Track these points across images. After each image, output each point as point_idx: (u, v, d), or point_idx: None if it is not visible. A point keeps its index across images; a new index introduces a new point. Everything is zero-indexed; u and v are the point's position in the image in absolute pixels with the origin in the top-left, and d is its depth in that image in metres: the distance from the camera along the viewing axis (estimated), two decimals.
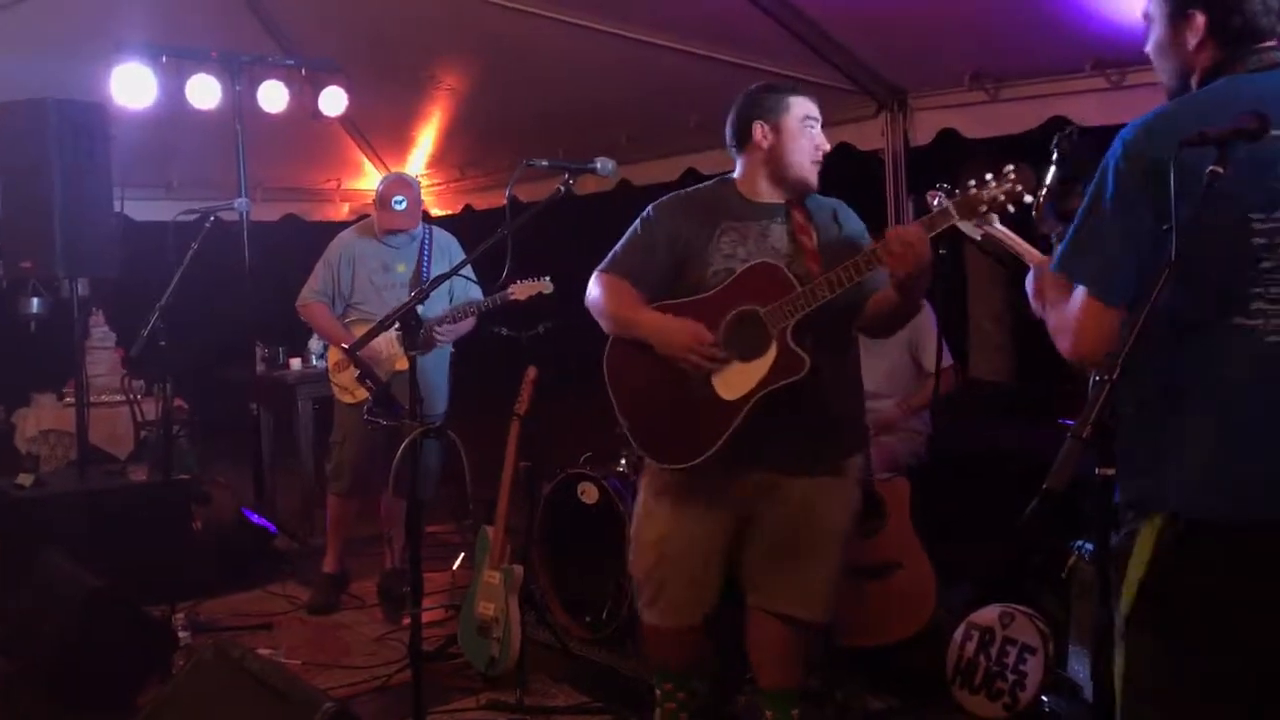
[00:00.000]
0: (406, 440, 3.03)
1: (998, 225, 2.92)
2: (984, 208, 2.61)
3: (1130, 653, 1.89)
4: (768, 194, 3.02)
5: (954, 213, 2.65)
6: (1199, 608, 1.81)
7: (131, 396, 6.04)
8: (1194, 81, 1.97)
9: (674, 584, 3.03)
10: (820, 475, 2.97)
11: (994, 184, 2.60)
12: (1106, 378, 1.60)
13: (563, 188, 3.15)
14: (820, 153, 3.01)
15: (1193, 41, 1.93)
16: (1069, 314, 1.90)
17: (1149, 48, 2.04)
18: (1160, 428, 1.86)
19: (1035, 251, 3.00)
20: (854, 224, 3.11)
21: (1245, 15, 1.88)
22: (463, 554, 4.98)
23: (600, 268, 3.07)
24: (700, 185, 3.15)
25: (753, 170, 3.03)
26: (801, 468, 2.95)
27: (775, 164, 2.99)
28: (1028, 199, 2.59)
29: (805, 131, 2.99)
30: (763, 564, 3.01)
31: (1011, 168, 2.61)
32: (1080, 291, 1.87)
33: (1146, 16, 2.04)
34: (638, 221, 3.09)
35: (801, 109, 3.00)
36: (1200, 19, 1.91)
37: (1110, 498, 1.93)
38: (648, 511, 3.08)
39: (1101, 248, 1.86)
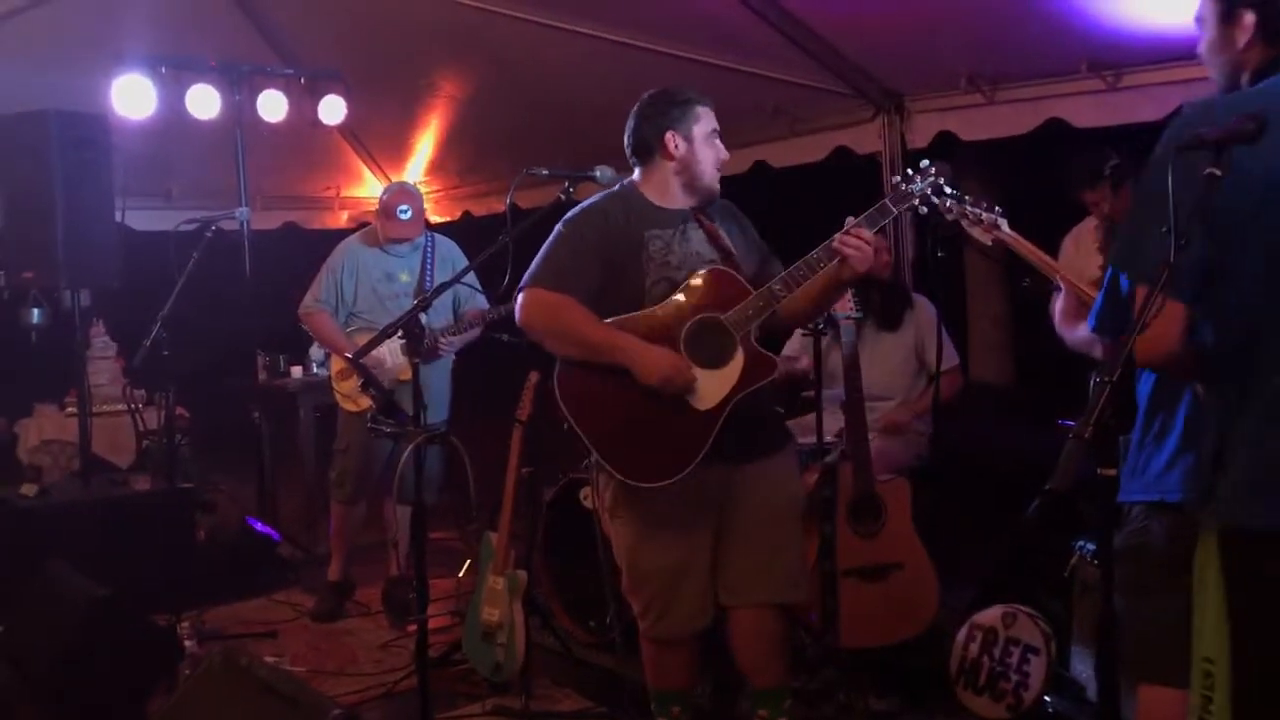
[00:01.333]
0: (409, 447, 3.04)
1: (1006, 230, 2.96)
2: (916, 199, 2.89)
3: None
4: (678, 200, 3.06)
5: (890, 206, 2.88)
6: None
7: (133, 406, 6.06)
8: (1245, 79, 2.01)
9: (683, 596, 3.03)
10: (772, 454, 3.05)
11: (919, 178, 2.89)
12: (1108, 379, 1.61)
13: (563, 195, 3.17)
14: (722, 163, 3.09)
15: (1242, 40, 1.98)
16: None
17: (1201, 48, 2.09)
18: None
19: (1048, 258, 3.02)
20: (747, 221, 3.20)
21: None
22: (469, 561, 4.99)
23: (533, 284, 2.97)
24: (604, 195, 3.10)
25: (663, 178, 3.05)
26: (756, 453, 3.00)
27: (688, 173, 3.04)
28: (948, 190, 2.87)
29: (713, 142, 3.06)
30: (741, 560, 3.02)
31: (928, 161, 2.91)
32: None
33: (1199, 20, 2.09)
34: (559, 236, 3.01)
35: (709, 121, 3.05)
36: (1250, 19, 1.96)
37: (1113, 498, 1.94)
38: (639, 538, 3.04)
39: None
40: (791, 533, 3.07)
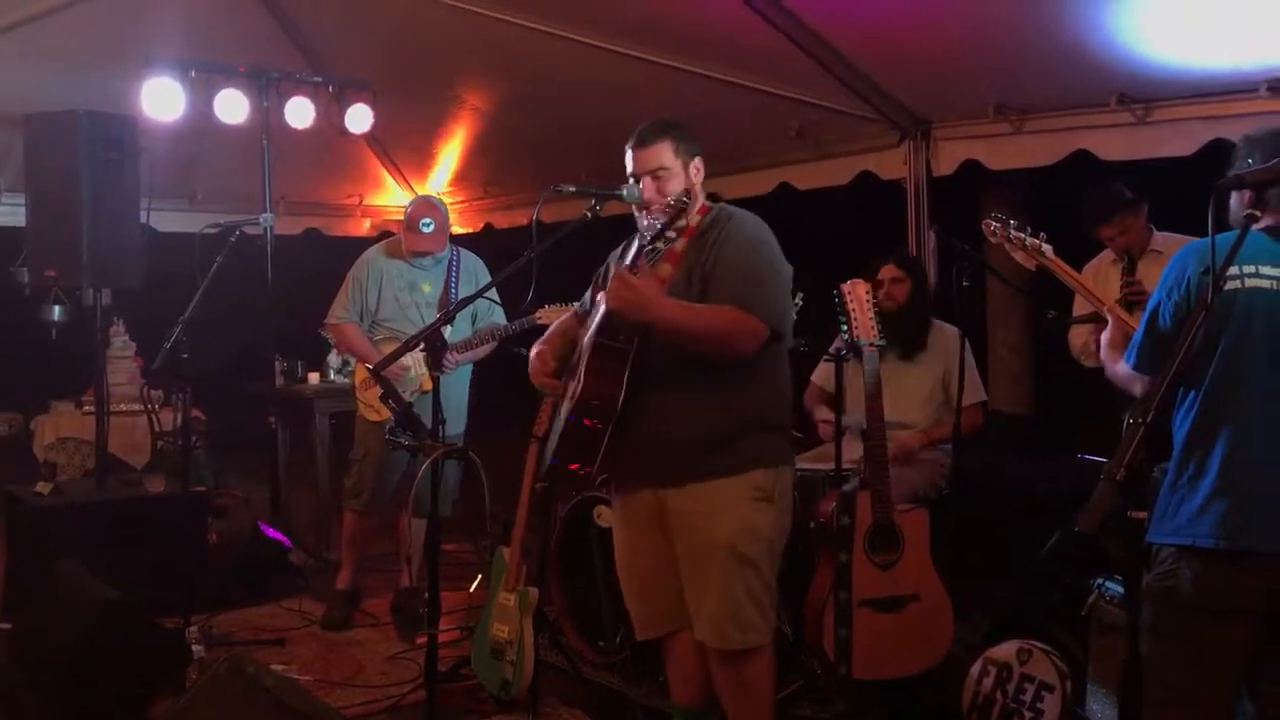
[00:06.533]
0: (428, 461, 3.02)
1: (1051, 255, 2.95)
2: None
3: None
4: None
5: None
6: None
7: (150, 407, 6.07)
8: None
9: (635, 598, 3.10)
10: (690, 483, 2.89)
11: None
12: (1141, 420, 1.59)
13: (589, 213, 3.14)
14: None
15: None
16: None
17: None
18: None
19: (1093, 293, 2.97)
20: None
21: None
22: (480, 576, 4.96)
23: None
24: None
25: None
26: (671, 479, 2.92)
27: None
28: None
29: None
30: (688, 592, 2.97)
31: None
32: None
33: None
34: None
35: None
36: None
37: (1141, 539, 1.91)
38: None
39: None
40: (720, 574, 2.85)
